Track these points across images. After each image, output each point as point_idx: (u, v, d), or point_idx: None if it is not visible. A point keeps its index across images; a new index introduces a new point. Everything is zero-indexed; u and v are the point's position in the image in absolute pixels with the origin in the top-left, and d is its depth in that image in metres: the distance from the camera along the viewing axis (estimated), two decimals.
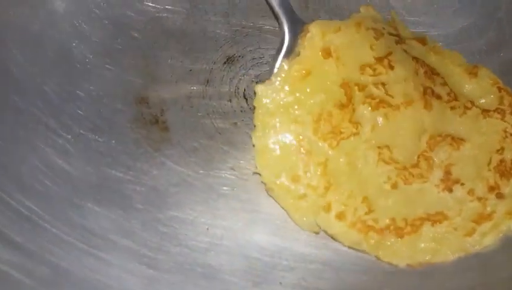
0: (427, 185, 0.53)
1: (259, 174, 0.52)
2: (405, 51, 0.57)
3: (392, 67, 0.54)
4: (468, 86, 0.58)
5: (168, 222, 0.47)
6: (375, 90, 0.54)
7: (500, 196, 0.53)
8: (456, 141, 0.54)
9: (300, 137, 0.53)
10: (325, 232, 0.52)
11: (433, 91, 0.55)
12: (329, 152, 0.53)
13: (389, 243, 0.52)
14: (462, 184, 0.53)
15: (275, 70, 0.54)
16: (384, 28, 0.57)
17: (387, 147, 0.53)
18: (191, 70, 0.51)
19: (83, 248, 0.44)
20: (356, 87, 0.54)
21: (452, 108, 0.55)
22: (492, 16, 0.53)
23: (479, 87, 0.58)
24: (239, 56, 0.53)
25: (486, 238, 0.53)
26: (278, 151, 0.53)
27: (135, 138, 0.48)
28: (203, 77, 0.51)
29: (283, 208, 0.52)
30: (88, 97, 0.49)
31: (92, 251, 0.44)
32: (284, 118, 0.53)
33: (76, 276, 0.44)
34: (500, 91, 0.57)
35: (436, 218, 0.53)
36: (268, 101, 0.54)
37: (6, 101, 0.47)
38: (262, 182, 0.51)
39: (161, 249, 0.46)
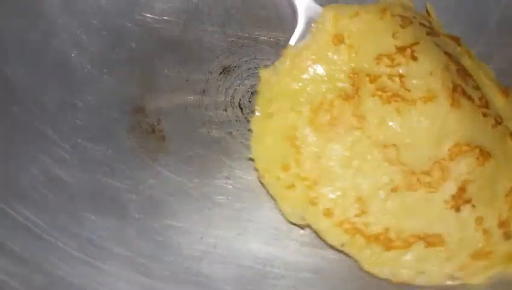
0: (435, 197, 0.47)
1: (253, 160, 0.50)
2: (437, 44, 0.51)
3: (415, 58, 0.49)
4: (498, 103, 0.52)
5: (163, 231, 0.47)
6: (389, 82, 0.49)
7: (508, 235, 0.47)
8: (484, 155, 0.47)
9: (297, 126, 0.50)
10: (311, 227, 0.49)
11: (464, 91, 0.49)
12: (325, 145, 0.49)
13: (373, 251, 0.47)
14: (473, 206, 0.47)
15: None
16: (415, 17, 0.52)
17: (395, 146, 0.48)
18: (187, 80, 0.51)
19: (79, 257, 0.45)
20: (367, 78, 0.49)
21: (484, 115, 0.49)
22: (482, 28, 0.54)
23: (509, 109, 0.52)
24: (235, 66, 0.53)
25: (475, 277, 0.47)
26: (273, 139, 0.50)
27: (132, 147, 0.49)
28: (199, 87, 0.51)
29: (272, 197, 0.49)
30: (86, 107, 0.49)
31: (87, 259, 0.45)
32: (283, 105, 0.50)
33: (72, 284, 0.44)
34: None
35: (433, 240, 0.47)
36: (270, 86, 0.51)
37: (4, 110, 0.48)
38: (255, 168, 0.50)
39: (156, 257, 0.46)
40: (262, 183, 0.50)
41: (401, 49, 0.49)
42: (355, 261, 0.48)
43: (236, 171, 0.49)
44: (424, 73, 0.49)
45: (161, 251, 0.46)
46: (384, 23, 0.50)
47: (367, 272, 0.47)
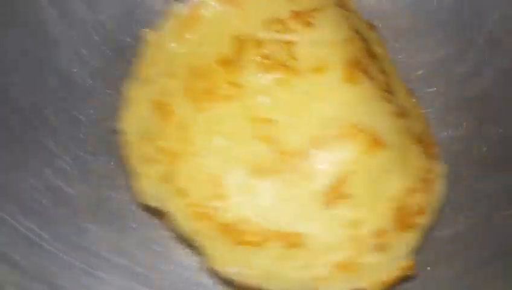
0: (305, 186, 0.40)
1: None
2: (345, 17, 0.46)
3: (311, 25, 0.43)
4: (402, 98, 0.46)
5: (163, 241, 0.48)
6: (275, 50, 0.43)
7: (381, 248, 0.40)
8: (378, 143, 0.41)
9: (171, 93, 0.44)
10: (158, 208, 0.44)
11: (365, 69, 0.43)
12: (195, 115, 0.43)
13: (223, 245, 0.41)
14: (352, 205, 0.40)
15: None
16: None
17: (270, 121, 0.42)
18: None
19: (79, 267, 0.45)
20: (252, 44, 0.44)
21: (387, 100, 0.43)
22: (472, 43, 0.56)
23: (411, 108, 0.47)
24: None
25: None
26: (142, 106, 0.45)
27: None
28: None
29: (128, 169, 0.45)
30: (88, 120, 0.49)
31: (88, 270, 0.45)
32: (163, 70, 0.45)
33: None
34: (427, 127, 0.47)
35: (293, 240, 0.40)
36: (154, 49, 0.46)
37: (6, 121, 0.48)
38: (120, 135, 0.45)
39: (156, 267, 0.47)
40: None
41: (296, 14, 0.44)
42: (205, 257, 0.42)
43: None
44: (317, 41, 0.43)
45: (161, 261, 0.47)
46: None
47: (214, 271, 0.42)
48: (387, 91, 0.44)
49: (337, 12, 0.45)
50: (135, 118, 0.45)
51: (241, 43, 0.44)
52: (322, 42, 0.43)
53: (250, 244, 0.40)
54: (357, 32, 0.45)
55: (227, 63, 0.43)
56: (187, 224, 0.42)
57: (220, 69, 0.43)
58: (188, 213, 0.41)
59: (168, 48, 0.45)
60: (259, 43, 0.43)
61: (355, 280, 0.40)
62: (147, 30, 0.47)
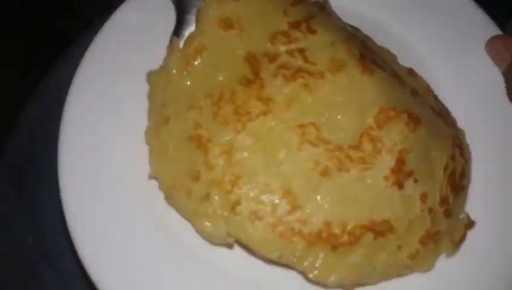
0: (372, 174, 0.41)
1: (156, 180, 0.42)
2: (333, 22, 0.48)
3: (313, 32, 0.45)
4: (408, 80, 0.49)
5: None
6: (290, 59, 0.44)
7: (448, 213, 0.43)
8: (414, 119, 0.43)
9: (200, 124, 0.42)
10: (239, 241, 0.40)
11: (373, 60, 0.45)
12: (235, 138, 0.41)
13: (317, 254, 0.40)
14: (416, 181, 0.42)
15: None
16: None
17: (313, 124, 0.42)
18: None
19: None
20: (266, 59, 0.44)
21: (401, 84, 0.46)
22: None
23: (417, 86, 0.50)
24: None
25: (426, 264, 0.42)
26: (174, 146, 0.42)
27: None
28: None
29: (186, 219, 0.41)
30: None
31: None
32: (179, 106, 0.43)
33: None
34: (436, 100, 0.49)
35: (381, 228, 0.40)
36: (162, 89, 0.44)
37: None
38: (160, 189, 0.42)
39: None
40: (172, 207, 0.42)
41: (295, 24, 0.46)
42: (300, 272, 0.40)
43: None
44: (326, 44, 0.45)
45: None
46: (273, 3, 0.47)
47: (314, 282, 0.41)
48: (397, 76, 0.47)
49: (326, 17, 0.48)
50: (169, 161, 0.42)
51: (255, 60, 0.44)
52: (328, 44, 0.45)
53: (345, 245, 0.40)
54: (348, 32, 0.48)
55: (249, 82, 0.43)
56: (269, 247, 0.40)
57: (244, 89, 0.43)
58: (268, 236, 0.40)
59: (178, 84, 0.44)
60: (272, 56, 0.44)
61: (438, 248, 0.43)
62: (150, 72, 0.45)
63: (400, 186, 0.41)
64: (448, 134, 0.47)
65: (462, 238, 0.44)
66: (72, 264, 0.48)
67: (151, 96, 0.45)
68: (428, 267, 0.42)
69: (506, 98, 0.49)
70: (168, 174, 0.42)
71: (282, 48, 0.45)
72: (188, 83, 0.44)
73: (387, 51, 0.51)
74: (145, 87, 0.46)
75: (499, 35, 0.51)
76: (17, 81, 0.64)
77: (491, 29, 0.52)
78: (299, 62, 0.44)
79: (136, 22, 0.49)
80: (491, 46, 0.51)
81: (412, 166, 0.42)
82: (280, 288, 0.43)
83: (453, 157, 0.45)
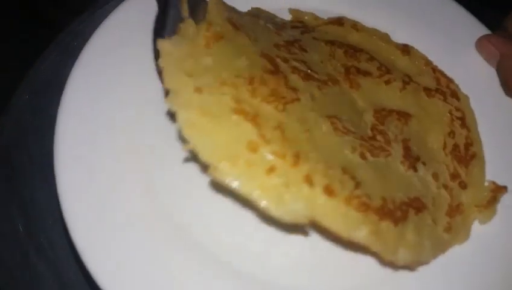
0: (392, 160, 0.44)
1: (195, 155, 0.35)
2: (314, 38, 0.51)
3: (304, 50, 0.48)
4: (401, 62, 0.53)
5: None
6: (298, 65, 0.45)
7: (463, 185, 0.46)
8: (402, 115, 0.48)
9: (240, 99, 0.39)
10: (312, 219, 0.36)
11: (358, 69, 0.49)
12: (279, 116, 0.39)
13: (387, 230, 0.39)
14: (424, 163, 0.45)
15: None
16: (284, 23, 0.52)
17: (336, 117, 0.43)
18: None
19: None
20: (278, 59, 0.45)
21: (387, 82, 0.50)
22: None
23: (413, 65, 0.53)
24: None
25: (462, 235, 0.44)
26: (214, 119, 0.37)
27: None
28: None
29: (246, 197, 0.35)
30: None
31: None
32: (208, 79, 0.39)
33: None
34: (434, 72, 0.53)
35: (417, 205, 0.42)
36: (179, 59, 0.40)
37: None
38: (204, 165, 0.35)
39: None
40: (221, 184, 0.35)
41: (289, 43, 0.48)
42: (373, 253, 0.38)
43: None
44: (317, 61, 0.48)
45: None
46: (262, 27, 0.49)
47: (386, 261, 0.39)
48: (385, 74, 0.50)
49: (308, 37, 0.51)
50: (210, 133, 0.37)
51: (270, 57, 0.45)
52: (318, 61, 0.49)
53: (400, 221, 0.40)
54: (332, 43, 0.51)
55: (272, 72, 0.43)
56: (349, 221, 0.37)
57: (272, 77, 0.42)
58: (348, 209, 0.37)
59: (196, 59, 0.41)
60: (285, 59, 0.46)
61: (467, 218, 0.45)
62: (160, 40, 0.40)
63: (414, 169, 0.45)
64: (444, 111, 0.50)
65: (490, 204, 0.46)
66: (64, 253, 0.48)
67: (165, 64, 0.39)
68: (464, 238, 0.44)
69: (501, 91, 0.52)
70: (213, 146, 0.36)
71: (288, 56, 0.47)
72: (211, 61, 0.41)
73: (378, 32, 0.54)
74: (145, 82, 0.46)
75: (487, 34, 0.53)
76: (7, 70, 0.63)
77: (479, 28, 0.56)
78: (306, 69, 0.46)
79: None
80: (481, 44, 0.54)
81: (416, 152, 0.46)
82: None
83: (451, 134, 0.49)
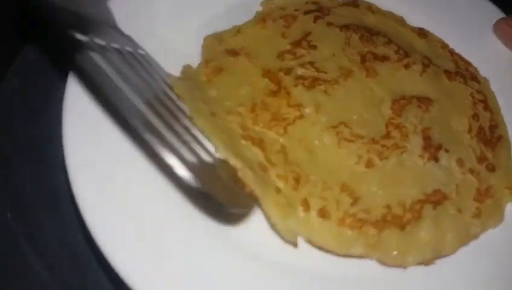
0: (408, 157, 0.44)
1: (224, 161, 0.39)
2: (329, 23, 0.51)
3: (314, 47, 0.49)
4: (419, 45, 0.52)
5: None
6: (303, 71, 0.47)
7: (491, 168, 0.45)
8: (423, 101, 0.47)
9: (245, 126, 0.43)
10: (308, 239, 0.39)
11: (375, 55, 0.49)
12: (281, 140, 0.43)
13: (389, 238, 0.40)
14: (447, 151, 0.45)
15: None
16: (297, 10, 0.52)
17: (343, 123, 0.44)
18: None
19: None
20: (281, 73, 0.46)
21: (407, 66, 0.49)
22: None
23: (430, 48, 0.53)
24: None
25: (494, 218, 0.44)
26: (229, 139, 0.41)
27: None
28: None
29: (262, 206, 0.38)
30: None
31: None
32: (216, 108, 0.43)
33: None
34: (452, 55, 0.53)
35: (436, 198, 0.43)
36: (190, 91, 0.43)
37: None
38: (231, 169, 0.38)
39: None
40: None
41: (295, 44, 0.49)
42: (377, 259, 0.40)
43: None
44: (329, 56, 0.48)
45: None
46: (268, 30, 0.50)
47: (393, 266, 0.40)
48: (403, 57, 0.50)
49: (321, 26, 0.51)
50: (239, 151, 0.40)
51: (272, 74, 0.46)
52: (331, 55, 0.49)
53: (411, 222, 0.41)
54: (347, 28, 0.51)
55: (274, 93, 0.45)
56: (342, 240, 0.40)
57: (273, 99, 0.44)
58: (340, 229, 0.40)
59: (206, 91, 0.44)
60: (286, 70, 0.47)
61: (498, 201, 0.44)
62: (172, 78, 0.43)
63: (435, 159, 0.45)
64: (466, 94, 0.50)
65: None
66: (54, 240, 0.47)
67: (181, 93, 0.42)
68: (498, 221, 0.44)
69: None
70: (238, 159, 0.39)
71: (293, 63, 0.47)
72: (215, 93, 0.45)
73: (393, 14, 0.54)
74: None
75: (505, 17, 0.53)
76: None
77: (494, 12, 0.55)
78: (313, 72, 0.47)
79: None
80: (499, 27, 0.53)
81: (438, 140, 0.46)
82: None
83: (475, 116, 0.48)
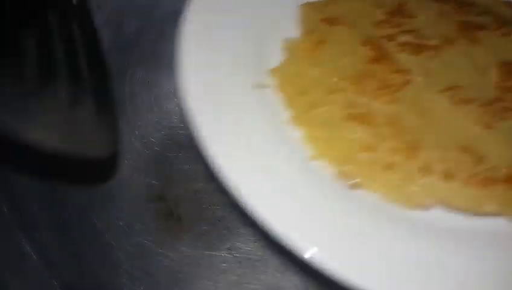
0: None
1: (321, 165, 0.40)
2: None
3: (412, 16, 0.48)
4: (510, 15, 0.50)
5: None
6: (406, 37, 0.46)
7: None
8: None
9: (350, 103, 0.42)
10: (437, 201, 0.39)
11: (472, 24, 0.48)
12: (390, 109, 0.42)
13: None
14: None
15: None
16: None
17: (455, 88, 0.43)
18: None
19: None
20: (384, 40, 0.45)
21: (505, 35, 0.47)
22: None
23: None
24: None
25: None
26: (334, 128, 0.41)
27: (157, 228, 0.55)
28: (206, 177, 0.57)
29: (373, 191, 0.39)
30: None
31: None
32: (319, 92, 0.43)
33: None
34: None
35: None
36: (291, 81, 0.44)
37: None
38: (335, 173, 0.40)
39: None
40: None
41: (392, 14, 0.48)
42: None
43: (236, 243, 0.54)
44: (428, 25, 0.47)
45: None
46: (360, 2, 0.50)
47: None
48: (501, 26, 0.48)
49: None
50: (332, 144, 0.41)
51: (373, 42, 0.45)
52: (427, 25, 0.47)
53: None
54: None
55: (377, 60, 0.44)
56: (470, 200, 0.39)
57: (378, 66, 0.44)
58: (467, 189, 0.39)
59: (308, 73, 0.44)
60: (391, 36, 0.46)
61: None
62: (273, 70, 0.44)
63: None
64: None
65: None
66: (50, 234, 0.49)
67: (282, 89, 0.44)
68: None
69: None
70: (337, 153, 0.41)
71: (393, 30, 0.46)
72: (317, 72, 0.44)
73: None
74: None
75: None
76: None
77: None
78: (416, 39, 0.46)
79: None
80: None
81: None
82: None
83: None
